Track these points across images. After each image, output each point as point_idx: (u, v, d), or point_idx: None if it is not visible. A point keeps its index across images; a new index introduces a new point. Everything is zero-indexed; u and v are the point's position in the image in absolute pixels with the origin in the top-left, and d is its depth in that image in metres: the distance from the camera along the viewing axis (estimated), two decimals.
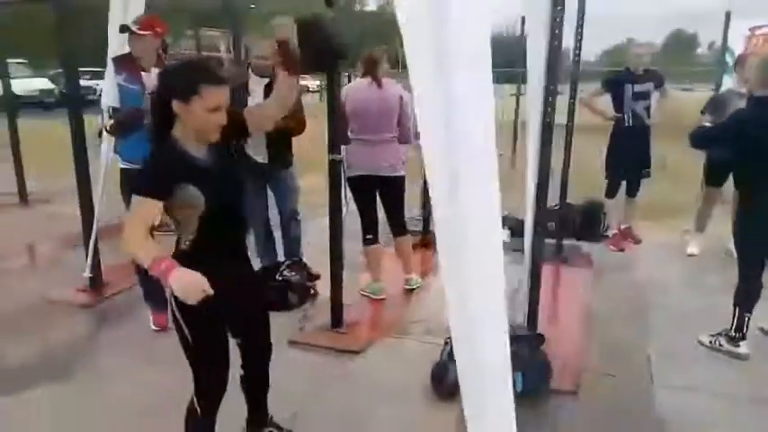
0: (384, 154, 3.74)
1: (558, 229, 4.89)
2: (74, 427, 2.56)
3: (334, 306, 3.43)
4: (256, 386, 2.30)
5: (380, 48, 3.88)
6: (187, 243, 1.86)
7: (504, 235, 4.85)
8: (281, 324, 3.42)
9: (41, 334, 3.43)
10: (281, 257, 4.07)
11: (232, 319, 2.04)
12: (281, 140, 3.64)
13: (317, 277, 4.08)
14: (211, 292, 1.68)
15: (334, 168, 3.27)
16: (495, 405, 1.86)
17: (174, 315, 1.88)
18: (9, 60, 7.92)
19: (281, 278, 3.77)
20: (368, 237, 3.90)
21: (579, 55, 4.65)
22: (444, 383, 2.77)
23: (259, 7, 21.24)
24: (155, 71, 3.10)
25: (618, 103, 4.87)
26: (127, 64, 3.21)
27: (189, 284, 1.65)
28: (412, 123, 3.90)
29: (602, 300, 3.99)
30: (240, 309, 2.06)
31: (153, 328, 3.43)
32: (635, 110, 4.80)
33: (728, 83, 5.89)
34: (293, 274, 3.84)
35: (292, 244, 4.08)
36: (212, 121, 1.79)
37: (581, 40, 4.53)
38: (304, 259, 3.98)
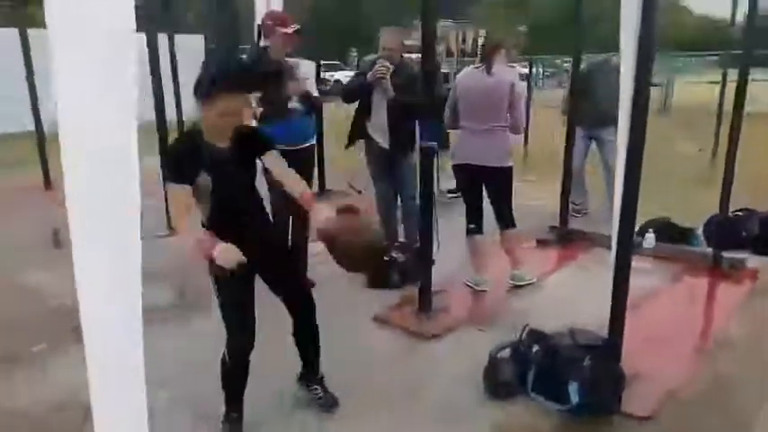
0: (491, 144, 3.67)
1: (720, 237, 4.22)
2: None
3: (422, 290, 3.52)
4: (304, 341, 2.56)
5: (502, 34, 3.80)
6: (205, 220, 2.21)
7: (648, 241, 4.37)
8: (370, 299, 3.70)
9: None
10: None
11: (265, 278, 2.37)
12: (402, 126, 3.81)
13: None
14: (245, 260, 2.02)
15: (426, 155, 3.34)
16: (123, 400, 1.73)
17: (212, 279, 2.23)
18: None
19: (387, 258, 4.00)
20: (470, 226, 3.88)
21: None
22: (494, 382, 2.71)
23: None
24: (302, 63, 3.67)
25: None
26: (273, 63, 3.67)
27: (227, 255, 2.01)
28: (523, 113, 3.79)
29: (746, 325, 3.36)
30: (266, 263, 2.32)
31: None
32: None
33: None
34: (401, 254, 4.05)
35: (411, 226, 4.23)
36: (226, 124, 2.07)
37: None
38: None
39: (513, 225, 3.89)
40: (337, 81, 21.96)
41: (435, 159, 3.42)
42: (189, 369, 2.81)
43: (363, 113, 4.09)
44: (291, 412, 2.58)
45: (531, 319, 2.95)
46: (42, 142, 7.10)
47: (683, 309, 3.69)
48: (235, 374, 2.33)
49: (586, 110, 5.03)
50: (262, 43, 3.63)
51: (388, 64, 3.87)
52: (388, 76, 3.87)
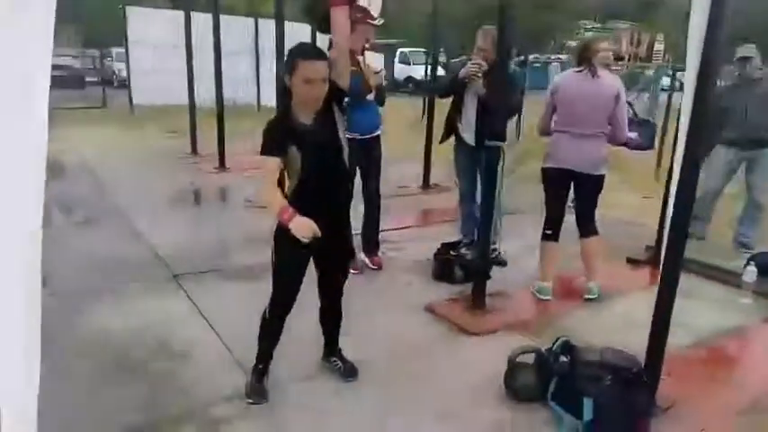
0: (588, 150, 3.58)
1: None
2: None
3: (475, 288, 3.56)
4: (328, 320, 2.78)
5: (601, 34, 3.66)
6: (289, 191, 2.44)
7: (748, 275, 3.94)
8: (426, 291, 3.82)
9: None
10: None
11: (318, 253, 2.53)
12: (489, 121, 3.86)
13: (500, 263, 4.25)
14: (319, 233, 2.25)
15: (492, 154, 3.37)
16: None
17: (273, 243, 2.50)
18: None
19: (455, 253, 4.09)
20: (547, 232, 3.81)
21: None
22: (512, 384, 2.71)
23: None
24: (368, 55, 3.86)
25: None
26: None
27: (303, 227, 2.25)
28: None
29: None
30: (328, 246, 2.49)
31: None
32: None
33: None
34: (468, 252, 4.10)
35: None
36: (309, 93, 2.29)
37: None
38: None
39: (596, 233, 3.76)
40: (408, 78, 21.88)
41: (501, 159, 3.43)
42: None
43: (456, 111, 4.17)
44: (315, 376, 2.82)
45: (580, 335, 2.89)
46: (194, 114, 8.16)
47: (758, 351, 3.33)
48: (270, 331, 2.60)
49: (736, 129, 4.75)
50: None
51: (481, 62, 3.92)
52: (480, 75, 3.92)
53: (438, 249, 4.16)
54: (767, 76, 4.84)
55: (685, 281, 4.16)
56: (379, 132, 4.09)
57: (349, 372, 2.79)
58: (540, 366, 2.72)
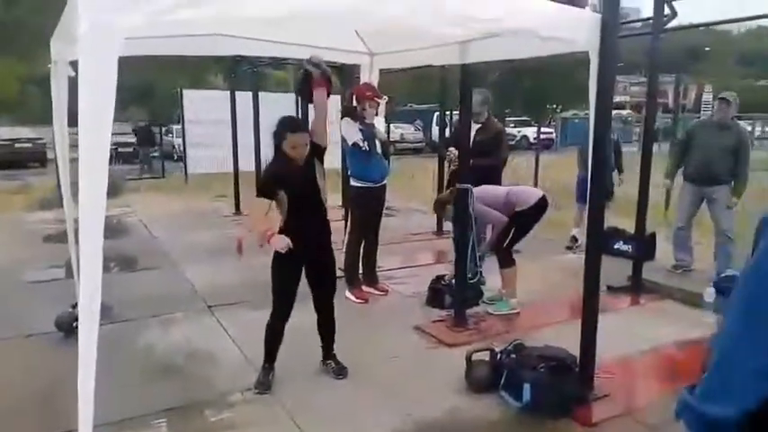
0: None
1: None
2: None
3: (456, 311, 4.18)
4: (323, 330, 3.47)
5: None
6: (282, 222, 3.24)
7: (708, 295, 4.38)
8: (418, 314, 4.43)
9: None
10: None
11: (309, 272, 3.31)
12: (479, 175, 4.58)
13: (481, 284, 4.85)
14: (291, 245, 3.06)
15: (462, 197, 4.07)
16: None
17: (271, 268, 3.27)
18: None
19: (445, 283, 4.70)
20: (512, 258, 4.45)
21: None
22: (470, 378, 3.28)
23: None
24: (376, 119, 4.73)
25: None
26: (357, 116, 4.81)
27: (279, 242, 3.07)
28: None
29: None
30: (314, 267, 3.30)
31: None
32: None
33: None
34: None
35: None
36: (294, 154, 3.11)
37: None
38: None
39: None
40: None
41: (470, 200, 4.12)
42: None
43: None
44: (312, 375, 3.48)
45: (550, 342, 3.42)
46: (237, 180, 9.25)
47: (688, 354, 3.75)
48: (273, 337, 3.31)
49: (695, 167, 5.27)
50: (354, 104, 4.75)
51: (453, 151, 4.73)
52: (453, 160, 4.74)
53: (432, 280, 4.80)
54: (737, 125, 5.37)
55: (659, 303, 4.72)
56: (385, 182, 4.87)
57: (340, 372, 3.44)
58: (494, 362, 3.29)
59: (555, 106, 32.27)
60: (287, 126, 3.14)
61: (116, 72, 1.93)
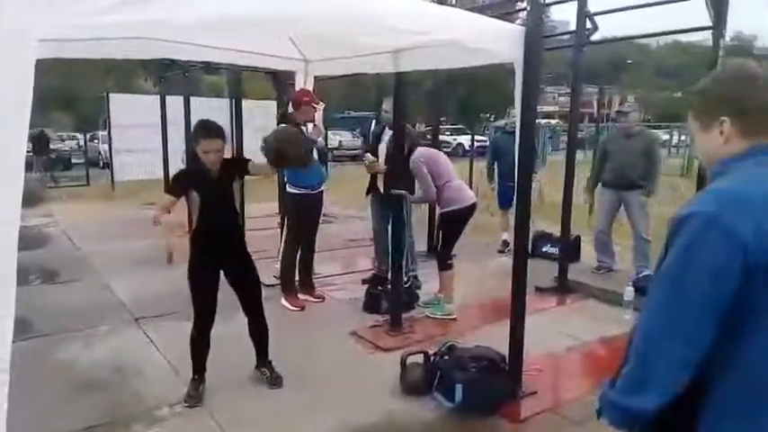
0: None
1: None
2: None
3: (392, 315, 4.23)
4: (255, 333, 3.41)
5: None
6: (195, 220, 3.20)
7: (627, 294, 4.64)
8: (355, 320, 4.45)
9: None
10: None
11: (228, 276, 3.27)
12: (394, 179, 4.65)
13: (418, 288, 4.94)
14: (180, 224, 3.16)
15: (396, 201, 4.14)
16: None
17: (188, 273, 3.21)
18: None
19: (382, 288, 4.74)
20: (450, 262, 4.54)
21: None
22: (405, 382, 3.33)
23: None
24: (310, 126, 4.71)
25: None
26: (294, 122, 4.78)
27: (169, 221, 3.10)
28: None
29: None
30: (232, 270, 3.26)
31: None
32: None
33: None
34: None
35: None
36: (206, 158, 3.06)
37: None
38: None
39: None
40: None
41: (405, 205, 4.19)
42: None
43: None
44: (245, 384, 3.41)
45: (482, 342, 3.50)
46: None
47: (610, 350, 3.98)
48: (198, 347, 3.24)
49: (611, 174, 5.58)
50: (290, 111, 4.72)
51: (370, 157, 4.83)
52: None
53: (369, 286, 4.83)
54: (644, 133, 5.75)
55: (583, 302, 4.96)
56: (322, 188, 4.86)
57: (274, 380, 3.40)
58: (427, 365, 3.35)
59: (488, 115, 33.31)
60: (200, 131, 3.11)
61: (32, 75, 1.83)
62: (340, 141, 22.59)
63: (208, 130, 3.10)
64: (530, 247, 6.34)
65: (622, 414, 1.20)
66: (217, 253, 3.19)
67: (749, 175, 1.18)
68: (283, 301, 4.68)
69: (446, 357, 3.32)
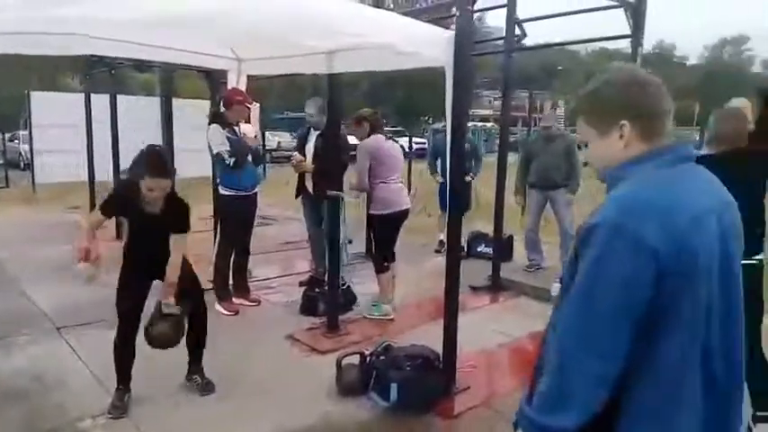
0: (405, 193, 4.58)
1: None
2: None
3: (329, 317, 4.21)
4: (192, 341, 3.31)
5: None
6: (124, 242, 3.11)
7: (554, 290, 4.82)
8: (292, 323, 4.40)
9: None
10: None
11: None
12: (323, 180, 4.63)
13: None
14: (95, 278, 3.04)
15: (333, 203, 4.13)
16: None
17: (118, 280, 3.09)
18: None
19: (319, 290, 4.70)
20: (386, 264, 4.57)
21: None
22: (341, 383, 3.32)
23: None
24: (243, 126, 4.60)
25: None
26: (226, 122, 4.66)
27: (86, 270, 3.01)
28: None
29: None
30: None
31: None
32: None
33: None
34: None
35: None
36: (149, 196, 2.92)
37: None
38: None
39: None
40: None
41: (342, 206, 4.19)
42: None
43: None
44: (175, 393, 3.31)
45: (419, 341, 3.53)
46: (93, 190, 8.52)
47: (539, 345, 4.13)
48: (123, 355, 3.10)
49: (536, 175, 5.80)
50: (222, 110, 4.61)
51: (298, 157, 4.83)
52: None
53: (306, 288, 4.80)
54: (564, 135, 6.02)
55: (515, 300, 5.13)
56: (257, 190, 4.78)
57: (206, 388, 3.31)
58: (363, 365, 3.36)
59: (427, 117, 33.81)
60: (146, 166, 2.90)
61: None
62: (279, 142, 22.27)
63: (155, 168, 2.89)
64: (465, 247, 6.68)
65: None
66: (149, 271, 3.08)
67: (649, 180, 1.18)
68: (217, 306, 4.56)
69: (382, 357, 3.34)
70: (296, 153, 4.88)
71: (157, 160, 2.96)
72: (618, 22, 4.39)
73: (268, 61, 4.54)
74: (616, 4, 4.21)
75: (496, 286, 5.38)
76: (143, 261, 3.07)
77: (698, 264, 1.11)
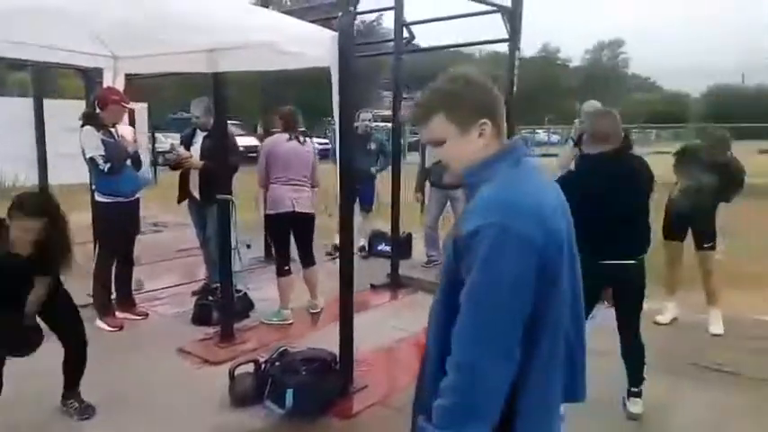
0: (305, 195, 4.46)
1: None
2: None
3: (222, 326, 4.07)
4: (69, 365, 3.05)
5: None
6: None
7: None
8: (184, 334, 4.19)
9: None
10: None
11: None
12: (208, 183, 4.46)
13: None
14: None
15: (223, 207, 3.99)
16: None
17: None
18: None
19: (212, 298, 4.51)
20: (285, 268, 4.49)
21: None
22: (235, 393, 3.22)
23: None
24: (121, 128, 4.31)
25: None
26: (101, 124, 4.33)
27: None
28: None
29: None
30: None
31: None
32: None
33: None
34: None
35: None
36: (16, 239, 2.62)
37: None
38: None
39: (314, 263, 4.55)
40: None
41: (233, 210, 4.05)
42: None
43: (187, 173, 4.74)
44: (49, 421, 3.03)
45: (318, 344, 3.49)
46: None
47: None
48: None
49: (440, 172, 5.93)
50: (97, 111, 4.28)
51: (181, 153, 4.64)
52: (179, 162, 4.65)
53: (198, 297, 4.59)
54: None
55: (413, 296, 5.24)
56: (139, 196, 4.49)
57: (84, 411, 3.06)
58: (258, 373, 3.27)
59: (330, 118, 33.73)
60: (15, 206, 2.62)
61: None
62: (172, 144, 21.13)
63: (30, 206, 2.62)
64: (367, 246, 6.73)
65: None
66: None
67: (510, 180, 1.23)
68: (99, 322, 4.24)
69: (277, 363, 3.27)
70: (180, 147, 4.62)
71: (33, 200, 2.69)
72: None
73: (146, 59, 4.29)
74: (494, 9, 4.41)
75: (396, 283, 5.47)
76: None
77: (563, 251, 1.20)
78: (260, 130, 14.74)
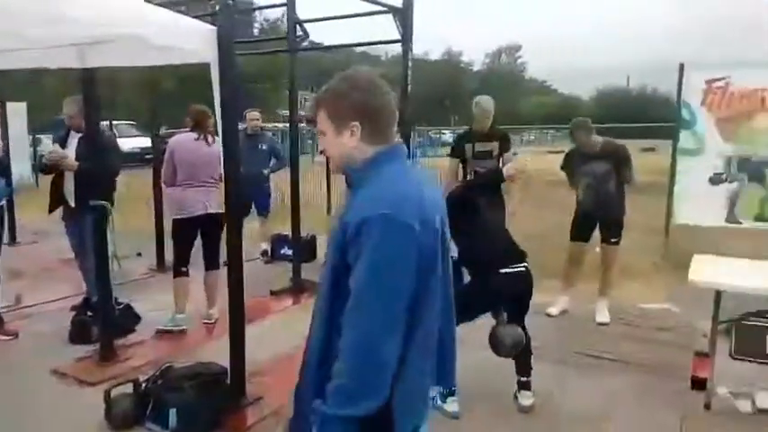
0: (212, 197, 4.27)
1: None
2: None
3: (104, 343, 3.75)
4: None
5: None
6: None
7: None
8: (60, 354, 3.83)
9: None
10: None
11: None
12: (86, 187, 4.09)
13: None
14: None
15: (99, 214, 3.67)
16: None
17: None
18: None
19: (91, 314, 4.14)
20: (182, 269, 4.27)
21: None
22: (111, 417, 2.96)
23: None
24: None
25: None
26: None
27: None
28: None
29: None
30: None
31: None
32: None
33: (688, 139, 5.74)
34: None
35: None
36: None
37: None
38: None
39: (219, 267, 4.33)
40: None
41: (110, 218, 3.75)
42: None
43: (60, 177, 4.34)
44: None
45: (212, 358, 3.27)
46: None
47: None
48: None
49: None
50: None
51: (58, 151, 4.23)
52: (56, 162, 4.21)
53: (75, 313, 4.22)
54: None
55: (314, 299, 5.13)
56: (2, 203, 4.07)
57: None
58: (138, 393, 3.03)
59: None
60: None
61: None
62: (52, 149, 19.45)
63: None
64: (269, 250, 6.53)
65: (344, 424, 1.22)
66: None
67: (393, 177, 1.33)
68: None
69: (159, 381, 3.05)
70: (55, 146, 4.22)
71: None
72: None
73: (7, 54, 3.85)
74: (385, 9, 4.41)
75: (298, 288, 5.32)
76: None
77: (438, 240, 1.32)
78: (164, 130, 13.77)
